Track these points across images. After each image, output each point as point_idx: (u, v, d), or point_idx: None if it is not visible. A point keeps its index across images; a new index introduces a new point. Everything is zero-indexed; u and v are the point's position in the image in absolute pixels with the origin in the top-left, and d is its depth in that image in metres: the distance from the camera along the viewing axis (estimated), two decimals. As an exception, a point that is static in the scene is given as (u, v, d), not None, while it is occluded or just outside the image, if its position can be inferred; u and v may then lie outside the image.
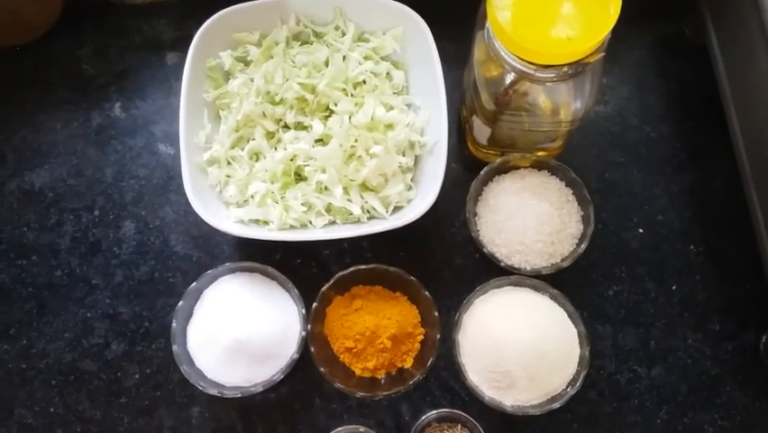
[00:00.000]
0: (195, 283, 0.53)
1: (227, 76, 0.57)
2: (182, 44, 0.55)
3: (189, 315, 0.54)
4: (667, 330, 0.56)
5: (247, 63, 0.57)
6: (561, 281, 0.54)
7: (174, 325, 0.52)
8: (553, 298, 0.53)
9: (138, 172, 0.61)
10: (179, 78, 0.53)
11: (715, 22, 0.58)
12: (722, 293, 0.57)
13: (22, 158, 0.61)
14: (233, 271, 0.55)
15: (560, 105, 0.49)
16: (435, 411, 0.52)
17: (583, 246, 0.54)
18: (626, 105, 0.62)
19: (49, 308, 0.57)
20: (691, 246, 0.58)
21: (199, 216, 0.50)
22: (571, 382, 0.51)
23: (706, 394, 0.54)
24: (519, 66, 0.44)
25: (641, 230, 0.58)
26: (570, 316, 0.53)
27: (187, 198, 0.51)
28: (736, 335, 0.55)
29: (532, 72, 0.44)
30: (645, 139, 0.61)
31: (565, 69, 0.44)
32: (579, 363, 0.51)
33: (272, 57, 0.56)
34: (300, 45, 0.58)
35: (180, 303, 0.53)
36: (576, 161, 0.58)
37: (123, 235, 0.59)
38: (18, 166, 0.61)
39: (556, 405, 0.50)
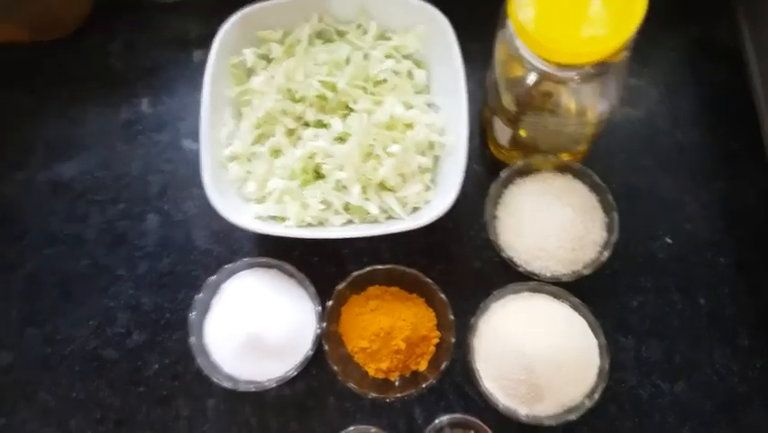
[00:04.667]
0: (213, 277, 0.54)
1: (250, 73, 0.57)
2: (209, 42, 0.55)
3: (207, 308, 0.54)
4: (693, 344, 0.54)
5: (269, 61, 0.57)
6: (582, 290, 0.52)
7: (192, 317, 0.53)
8: (573, 306, 0.52)
9: (163, 167, 0.62)
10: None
11: (750, 26, 0.56)
12: (752, 308, 0.54)
13: (53, 150, 0.63)
14: (251, 266, 0.55)
15: (584, 106, 0.48)
16: (448, 416, 0.52)
17: (606, 254, 0.52)
18: (657, 109, 0.60)
19: (74, 297, 0.58)
20: (721, 258, 0.56)
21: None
22: (589, 395, 0.49)
23: (732, 413, 0.52)
24: (541, 65, 0.43)
25: (668, 239, 0.56)
26: (590, 326, 0.51)
27: (208, 193, 0.51)
28: (766, 352, 0.53)
29: (554, 72, 0.43)
30: (676, 144, 0.59)
31: (588, 68, 0.42)
32: (598, 375, 0.50)
33: (294, 54, 0.56)
34: (323, 43, 0.57)
35: (199, 295, 0.53)
36: (602, 165, 0.56)
37: (146, 228, 0.60)
38: (48, 158, 0.62)
39: (573, 417, 0.49)
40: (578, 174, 0.54)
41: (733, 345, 0.53)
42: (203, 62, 0.55)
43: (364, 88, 0.55)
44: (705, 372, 0.53)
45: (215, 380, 0.51)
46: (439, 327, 0.53)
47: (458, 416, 0.52)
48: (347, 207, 0.53)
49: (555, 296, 0.52)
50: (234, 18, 0.55)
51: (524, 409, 0.50)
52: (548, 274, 0.52)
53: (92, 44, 0.66)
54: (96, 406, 0.55)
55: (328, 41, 0.58)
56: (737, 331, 0.54)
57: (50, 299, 0.58)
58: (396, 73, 0.55)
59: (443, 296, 0.52)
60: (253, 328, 0.51)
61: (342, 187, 0.53)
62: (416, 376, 0.52)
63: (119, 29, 0.66)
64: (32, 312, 0.58)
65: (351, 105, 0.54)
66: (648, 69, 0.61)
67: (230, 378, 0.52)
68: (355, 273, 0.53)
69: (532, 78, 0.45)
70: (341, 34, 0.58)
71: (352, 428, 0.52)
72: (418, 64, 0.57)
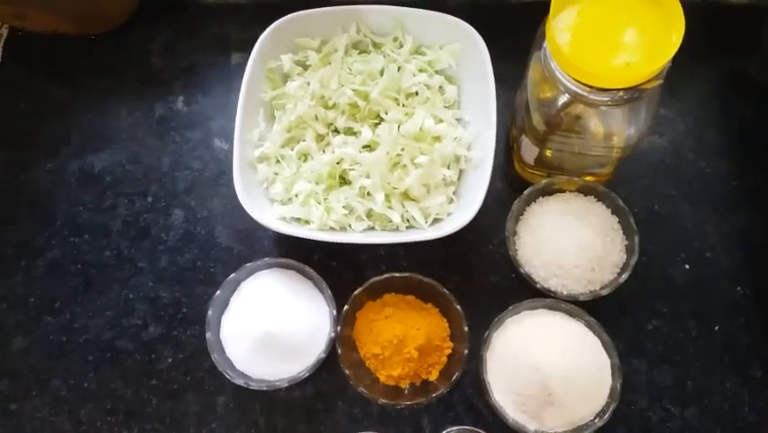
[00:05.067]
0: (233, 274, 0.55)
1: (285, 78, 0.59)
2: (247, 46, 0.57)
3: (225, 305, 0.55)
4: (705, 371, 0.54)
5: (306, 67, 0.59)
6: (598, 310, 0.52)
7: (210, 313, 0.53)
8: (588, 325, 0.52)
9: (192, 164, 0.63)
10: (241, 78, 0.55)
11: (781, 62, 0.57)
12: (767, 339, 0.54)
13: (86, 141, 0.64)
14: (270, 266, 0.56)
15: (612, 131, 0.49)
16: (456, 427, 0.52)
17: (625, 276, 0.52)
18: (683, 139, 0.61)
19: (94, 286, 0.59)
20: (738, 288, 0.56)
21: (244, 210, 0.52)
22: (600, 414, 0.49)
23: (741, 442, 0.52)
24: (574, 87, 0.44)
25: (687, 266, 0.57)
26: (604, 346, 0.51)
27: (234, 193, 0.52)
28: (778, 384, 0.53)
29: (586, 94, 0.44)
30: (700, 174, 0.60)
31: (621, 93, 0.43)
32: (609, 395, 0.50)
33: (330, 63, 0.58)
34: (358, 54, 0.59)
35: (218, 292, 0.54)
36: (625, 189, 0.57)
37: (171, 223, 0.61)
38: (81, 148, 0.64)
39: (582, 436, 0.49)
40: (601, 196, 0.55)
41: (745, 375, 0.53)
42: (240, 65, 0.57)
43: (396, 100, 0.56)
44: (716, 399, 0.53)
45: (228, 376, 0.52)
46: (452, 337, 0.53)
47: (466, 427, 0.52)
48: (369, 214, 0.54)
49: (571, 314, 0.52)
50: (275, 25, 0.57)
51: (533, 425, 0.50)
52: (565, 292, 0.53)
53: (134, 40, 0.68)
54: (107, 396, 0.55)
55: (364, 51, 0.59)
56: (750, 362, 0.54)
57: (69, 287, 0.59)
58: (427, 87, 0.57)
59: (458, 307, 0.52)
60: (269, 328, 0.51)
61: (366, 193, 0.54)
62: (426, 385, 0.53)
63: (162, 28, 0.68)
64: (50, 299, 0.58)
65: (381, 115, 0.56)
66: (677, 99, 0.62)
67: (243, 375, 0.53)
68: (373, 279, 0.53)
69: (563, 100, 0.47)
70: (377, 46, 0.59)
71: (359, 433, 0.52)
72: (450, 80, 0.58)
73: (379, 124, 0.56)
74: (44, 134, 0.64)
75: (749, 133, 0.61)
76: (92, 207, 0.62)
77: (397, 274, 0.54)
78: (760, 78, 0.61)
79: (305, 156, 0.57)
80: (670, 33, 0.42)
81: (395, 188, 0.53)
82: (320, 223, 0.53)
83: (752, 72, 0.62)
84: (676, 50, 0.41)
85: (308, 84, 0.57)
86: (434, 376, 0.52)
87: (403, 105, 0.56)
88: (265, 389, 0.52)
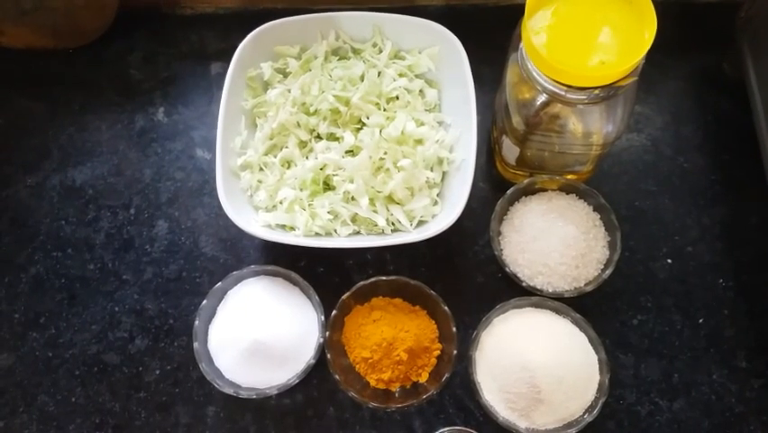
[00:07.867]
0: (219, 283, 0.54)
1: (266, 86, 0.59)
2: (226, 55, 0.57)
3: (212, 314, 0.55)
4: (692, 364, 0.54)
5: (286, 75, 0.59)
6: (583, 306, 0.53)
7: (197, 323, 0.53)
8: (574, 322, 0.53)
9: (175, 175, 0.63)
10: (221, 88, 0.56)
11: (754, 57, 0.58)
12: (751, 330, 0.55)
13: (67, 154, 0.64)
14: (257, 273, 0.56)
15: (591, 129, 0.50)
16: (448, 428, 0.52)
17: (608, 272, 0.53)
18: (661, 135, 0.62)
19: (79, 300, 0.58)
20: (721, 280, 0.57)
21: (229, 220, 0.52)
22: (589, 409, 0.50)
23: (728, 432, 0.52)
24: (551, 87, 0.45)
25: (669, 260, 0.58)
26: (591, 342, 0.52)
27: (218, 202, 0.52)
28: (763, 373, 0.54)
29: (563, 94, 0.45)
30: (679, 169, 0.61)
31: (597, 91, 0.44)
32: (598, 390, 0.50)
33: (310, 70, 0.58)
34: (338, 60, 0.59)
35: (204, 302, 0.54)
36: (606, 187, 0.58)
37: (155, 234, 0.60)
38: (62, 162, 0.63)
39: (572, 431, 0.49)
40: (582, 194, 0.56)
41: (731, 366, 0.54)
42: (220, 75, 0.57)
43: (377, 104, 0.56)
44: (703, 391, 0.54)
45: (217, 386, 0.51)
46: (441, 339, 0.54)
47: (458, 428, 0.52)
48: (355, 219, 0.54)
49: (557, 311, 0.53)
50: (254, 33, 0.57)
51: (523, 423, 0.50)
52: (550, 290, 0.53)
53: (112, 53, 0.67)
54: (95, 411, 0.55)
55: (343, 58, 0.60)
56: (735, 353, 0.55)
57: (54, 302, 0.58)
58: (408, 91, 0.57)
59: (445, 308, 0.52)
60: (257, 336, 0.51)
61: (350, 198, 0.54)
62: (416, 387, 0.53)
63: (140, 39, 0.68)
64: (35, 315, 0.58)
65: (363, 120, 0.56)
66: (654, 96, 0.63)
67: (232, 384, 0.53)
68: (360, 284, 0.54)
69: (541, 100, 0.47)
70: (356, 52, 0.60)
71: (351, 438, 0.52)
72: (430, 83, 0.59)
73: (360, 128, 0.56)
74: (24, 150, 0.64)
75: (725, 127, 0.62)
76: (74, 221, 0.61)
77: (384, 278, 0.54)
78: (733, 73, 0.62)
79: (288, 163, 0.57)
80: (643, 31, 0.42)
81: (379, 192, 0.54)
82: (305, 229, 0.53)
83: (725, 67, 0.63)
84: (649, 46, 0.42)
85: (289, 91, 0.57)
86: (423, 378, 0.53)
87: (384, 110, 0.57)
88: (255, 397, 0.52)
